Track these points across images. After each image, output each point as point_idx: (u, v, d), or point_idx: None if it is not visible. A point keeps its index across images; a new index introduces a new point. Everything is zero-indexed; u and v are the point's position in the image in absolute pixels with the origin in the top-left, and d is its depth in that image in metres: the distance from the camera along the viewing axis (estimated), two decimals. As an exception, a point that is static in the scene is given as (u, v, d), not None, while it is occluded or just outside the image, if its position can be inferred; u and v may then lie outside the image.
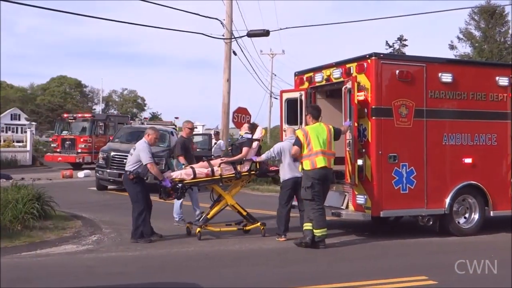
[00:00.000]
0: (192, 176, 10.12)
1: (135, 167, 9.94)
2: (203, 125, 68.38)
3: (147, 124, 33.17)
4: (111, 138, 23.55)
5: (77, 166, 29.03)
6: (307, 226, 9.61)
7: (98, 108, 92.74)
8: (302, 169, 9.72)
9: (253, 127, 11.06)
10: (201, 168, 10.31)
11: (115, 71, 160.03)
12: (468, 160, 10.90)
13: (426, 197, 10.52)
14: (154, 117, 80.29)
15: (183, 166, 10.67)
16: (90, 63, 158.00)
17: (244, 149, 10.44)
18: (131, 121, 37.16)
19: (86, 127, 30.78)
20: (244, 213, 10.73)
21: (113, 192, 18.65)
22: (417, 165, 10.46)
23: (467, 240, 10.53)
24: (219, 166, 10.29)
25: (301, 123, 11.70)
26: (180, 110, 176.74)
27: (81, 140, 30.12)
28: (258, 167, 10.69)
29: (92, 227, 11.38)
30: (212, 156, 17.27)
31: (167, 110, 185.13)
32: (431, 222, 10.78)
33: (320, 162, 9.54)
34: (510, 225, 11.39)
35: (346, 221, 11.56)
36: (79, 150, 29.89)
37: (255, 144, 10.64)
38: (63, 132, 31.39)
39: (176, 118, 44.57)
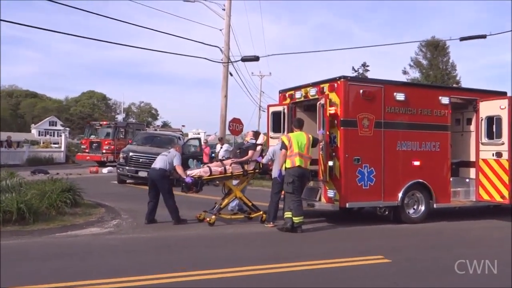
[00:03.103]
0: (209, 174, 10.15)
1: (169, 167, 10.06)
2: (204, 132, 68.16)
3: (159, 130, 33.04)
4: (130, 141, 23.45)
5: (102, 164, 28.81)
6: (288, 214, 9.57)
7: (120, 117, 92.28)
8: (285, 167, 9.69)
9: (256, 134, 11.28)
10: (216, 167, 10.37)
11: (134, 87, 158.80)
12: (417, 163, 10.90)
13: (383, 192, 10.50)
14: (165, 125, 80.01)
15: (201, 165, 10.81)
16: (114, 80, 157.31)
17: (250, 152, 10.58)
18: (146, 128, 36.99)
19: (110, 132, 30.62)
20: (250, 204, 10.73)
21: (130, 185, 18.53)
22: (376, 166, 10.44)
23: (415, 227, 10.53)
24: (230, 166, 10.38)
25: (283, 131, 11.67)
26: (186, 119, 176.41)
27: (106, 143, 29.96)
28: (261, 166, 10.72)
29: (113, 213, 11.27)
30: (224, 158, 17.33)
31: (175, 119, 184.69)
32: (386, 212, 10.82)
33: (297, 161, 9.52)
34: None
35: (319, 211, 11.52)
36: (104, 151, 29.76)
37: (258, 148, 10.77)
38: (91, 136, 31.18)
39: (183, 126, 44.51)
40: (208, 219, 10.08)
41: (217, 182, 10.76)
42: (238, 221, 10.63)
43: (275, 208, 10.23)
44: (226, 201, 10.56)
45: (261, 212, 10.57)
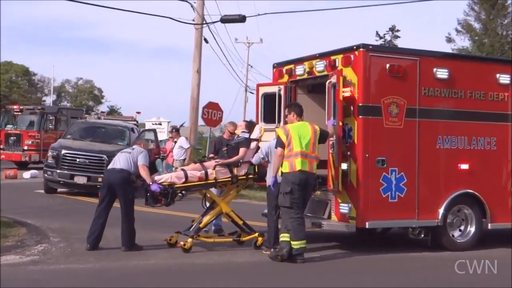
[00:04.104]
0: (183, 180, 10.10)
1: (133, 169, 10.13)
2: (168, 122, 68.01)
3: (104, 119, 32.93)
4: (62, 134, 23.36)
5: (23, 166, 28.71)
6: (284, 237, 9.60)
7: (49, 99, 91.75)
8: (281, 172, 9.73)
9: (251, 126, 11.15)
10: (193, 171, 10.34)
11: (69, 58, 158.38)
12: (465, 166, 11.02)
13: (418, 206, 10.60)
14: (113, 111, 79.50)
15: (173, 169, 10.71)
16: (40, 48, 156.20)
17: (241, 150, 10.46)
18: (86, 115, 36.82)
19: (34, 121, 30.47)
20: (240, 222, 10.72)
21: (63, 195, 18.48)
22: (408, 171, 10.53)
23: (461, 256, 10.59)
24: (213, 169, 10.32)
25: (279, 121, 11.72)
26: (143, 104, 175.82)
27: (28, 135, 29.79)
28: (257, 170, 10.74)
29: (38, 235, 11.22)
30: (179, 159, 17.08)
31: (128, 103, 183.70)
32: (422, 235, 10.88)
33: (298, 164, 9.53)
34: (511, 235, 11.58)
35: (328, 233, 11.59)
36: (26, 147, 29.58)
37: (253, 144, 10.68)
38: (8, 126, 30.99)
39: (138, 113, 44.20)
40: (182, 243, 10.05)
41: (182, 192, 10.70)
42: (225, 245, 10.66)
43: (274, 229, 10.29)
44: (208, 218, 10.56)
45: (256, 234, 10.61)
